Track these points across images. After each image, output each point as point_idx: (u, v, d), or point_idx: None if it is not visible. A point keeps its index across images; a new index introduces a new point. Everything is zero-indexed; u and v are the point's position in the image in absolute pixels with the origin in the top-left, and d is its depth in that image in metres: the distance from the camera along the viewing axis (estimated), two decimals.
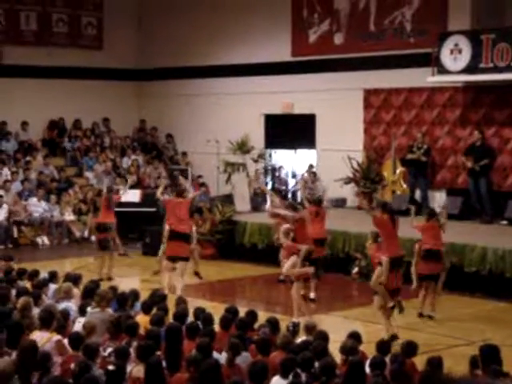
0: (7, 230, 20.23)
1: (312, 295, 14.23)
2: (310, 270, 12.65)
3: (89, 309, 9.95)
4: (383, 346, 8.72)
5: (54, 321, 8.99)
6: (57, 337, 8.66)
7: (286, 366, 7.75)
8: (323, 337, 8.93)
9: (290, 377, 7.69)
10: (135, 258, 18.39)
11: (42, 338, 8.56)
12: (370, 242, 12.65)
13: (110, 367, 7.67)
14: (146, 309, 10.18)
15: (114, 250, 16.60)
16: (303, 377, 7.77)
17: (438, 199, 18.93)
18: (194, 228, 15.38)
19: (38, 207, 20.90)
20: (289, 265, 12.51)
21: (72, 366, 7.70)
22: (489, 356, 7.87)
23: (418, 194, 19.16)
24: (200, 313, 9.86)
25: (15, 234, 20.37)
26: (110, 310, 9.91)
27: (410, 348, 8.66)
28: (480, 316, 13.39)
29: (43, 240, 20.52)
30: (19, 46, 23.59)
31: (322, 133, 21.68)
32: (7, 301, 10.29)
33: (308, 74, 21.77)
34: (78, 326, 9.42)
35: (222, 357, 8.33)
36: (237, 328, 9.30)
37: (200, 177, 23.45)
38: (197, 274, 15.23)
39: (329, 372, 7.63)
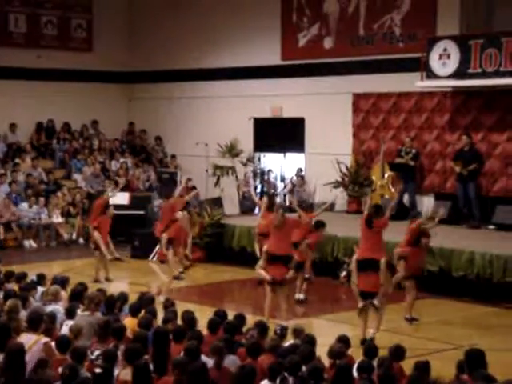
0: None
1: (299, 296, 14.26)
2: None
3: (78, 311, 9.93)
4: (370, 350, 8.73)
5: (42, 323, 8.97)
6: (45, 339, 8.63)
7: (274, 370, 7.74)
8: (310, 340, 8.94)
9: (278, 381, 7.69)
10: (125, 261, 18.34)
11: (30, 341, 8.53)
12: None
13: (98, 370, 7.65)
14: (133, 311, 10.17)
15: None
16: (290, 381, 7.77)
17: (426, 204, 18.98)
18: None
19: (29, 212, 20.86)
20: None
21: (60, 369, 7.68)
22: (474, 360, 7.88)
23: (406, 199, 19.20)
24: (186, 316, 9.85)
25: (1, 236, 20.30)
26: (98, 314, 9.89)
27: (398, 352, 8.66)
28: (468, 320, 13.42)
29: (30, 243, 20.46)
30: (8, 48, 23.51)
31: (311, 136, 21.71)
32: None
33: (297, 77, 21.81)
34: (66, 328, 9.39)
35: (210, 360, 8.32)
36: (225, 331, 9.29)
37: (190, 180, 23.43)
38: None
39: (317, 376, 7.64)
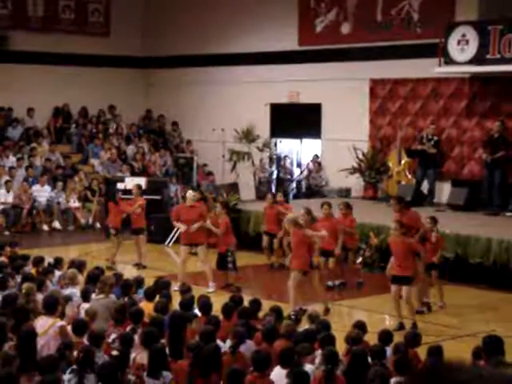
0: (15, 215, 20.28)
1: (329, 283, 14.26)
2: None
3: (93, 295, 9.99)
4: (385, 336, 8.72)
5: (59, 306, 9.03)
6: (60, 322, 8.70)
7: (286, 356, 7.74)
8: (325, 326, 8.95)
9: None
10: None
11: (46, 324, 8.60)
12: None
13: (114, 352, 7.70)
14: (149, 296, 10.21)
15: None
16: (307, 366, 7.79)
17: (445, 191, 18.89)
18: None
19: (41, 193, 20.92)
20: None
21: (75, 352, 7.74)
22: (492, 347, 7.88)
23: (425, 186, 19.10)
24: (202, 300, 9.88)
25: (23, 221, 20.42)
26: (112, 296, 9.94)
27: (414, 339, 8.67)
28: (484, 307, 13.38)
29: (54, 226, 20.59)
30: (26, 32, 23.58)
31: (328, 122, 21.66)
32: (12, 286, 10.34)
33: (314, 63, 21.75)
34: (82, 312, 9.46)
35: (225, 345, 8.35)
36: (240, 316, 9.32)
37: (205, 165, 23.47)
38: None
39: (332, 360, 7.65)
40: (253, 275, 16.46)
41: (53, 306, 8.94)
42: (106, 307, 9.50)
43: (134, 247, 16.21)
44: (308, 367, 7.73)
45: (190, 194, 14.70)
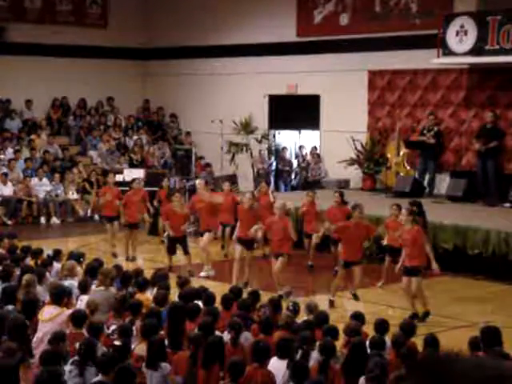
0: (14, 207, 20.29)
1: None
2: None
3: (93, 287, 10.00)
4: (381, 326, 8.71)
5: (65, 297, 9.06)
6: (68, 311, 8.74)
7: (283, 347, 7.74)
8: (323, 317, 8.97)
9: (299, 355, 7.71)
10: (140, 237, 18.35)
11: (54, 311, 8.64)
12: None
13: (117, 342, 7.72)
14: (141, 286, 10.16)
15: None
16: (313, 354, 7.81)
17: (444, 182, 18.88)
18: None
19: (40, 186, 20.92)
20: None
21: (76, 344, 7.74)
22: (490, 338, 7.89)
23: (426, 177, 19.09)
24: (202, 292, 9.89)
25: (22, 213, 20.44)
26: (113, 289, 9.95)
27: (409, 328, 8.67)
28: (482, 298, 13.41)
29: (51, 219, 20.59)
30: (23, 24, 23.52)
31: (326, 114, 21.65)
32: (12, 278, 10.36)
33: (313, 54, 21.71)
34: (80, 303, 9.46)
35: (223, 336, 8.37)
36: (239, 308, 9.33)
37: (201, 158, 23.45)
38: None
39: (328, 352, 7.67)
40: (252, 267, 16.45)
41: (60, 295, 8.99)
42: (105, 299, 9.51)
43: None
44: (314, 356, 7.77)
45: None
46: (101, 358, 7.29)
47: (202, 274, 14.46)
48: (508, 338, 8.14)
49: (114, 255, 15.93)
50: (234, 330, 8.26)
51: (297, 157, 22.84)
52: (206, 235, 14.88)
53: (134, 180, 17.03)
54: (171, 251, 14.92)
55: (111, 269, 10.57)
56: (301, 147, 22.44)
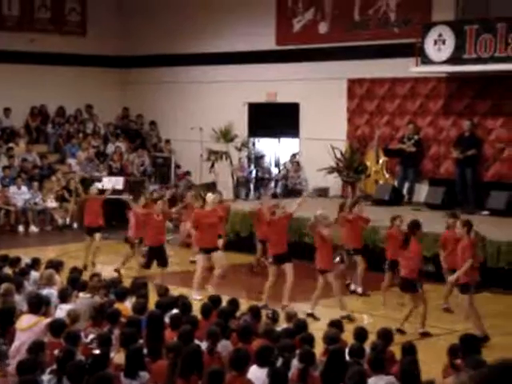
0: None
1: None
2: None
3: (81, 294, 10.02)
4: (360, 334, 8.72)
5: (43, 306, 9.01)
6: (46, 320, 8.69)
7: (263, 355, 7.72)
8: (302, 325, 8.97)
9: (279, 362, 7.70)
10: (117, 245, 18.27)
11: (31, 320, 8.59)
12: None
13: (96, 351, 7.67)
14: (120, 296, 10.13)
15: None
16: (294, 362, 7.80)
17: (423, 190, 18.95)
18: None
19: (19, 195, 20.80)
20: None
21: (55, 352, 7.70)
22: (469, 345, 7.92)
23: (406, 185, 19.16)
24: (181, 301, 9.87)
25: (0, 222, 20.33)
26: (97, 297, 9.94)
27: (386, 335, 8.67)
28: (459, 306, 13.41)
29: (30, 227, 20.47)
30: (1, 32, 23.41)
31: (306, 122, 21.71)
32: None
33: (292, 63, 21.78)
34: (60, 312, 9.41)
35: (202, 345, 8.34)
36: (218, 316, 9.32)
37: (178, 167, 23.40)
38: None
39: (307, 360, 7.66)
40: (232, 275, 16.44)
41: (38, 304, 8.94)
42: (90, 307, 9.50)
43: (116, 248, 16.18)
44: (294, 364, 7.76)
45: (209, 196, 14.42)
46: (69, 367, 7.21)
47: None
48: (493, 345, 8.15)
49: (93, 264, 15.83)
50: (211, 338, 8.24)
51: (277, 165, 22.86)
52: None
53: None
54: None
55: (100, 280, 10.60)
56: (294, 155, 22.12)
